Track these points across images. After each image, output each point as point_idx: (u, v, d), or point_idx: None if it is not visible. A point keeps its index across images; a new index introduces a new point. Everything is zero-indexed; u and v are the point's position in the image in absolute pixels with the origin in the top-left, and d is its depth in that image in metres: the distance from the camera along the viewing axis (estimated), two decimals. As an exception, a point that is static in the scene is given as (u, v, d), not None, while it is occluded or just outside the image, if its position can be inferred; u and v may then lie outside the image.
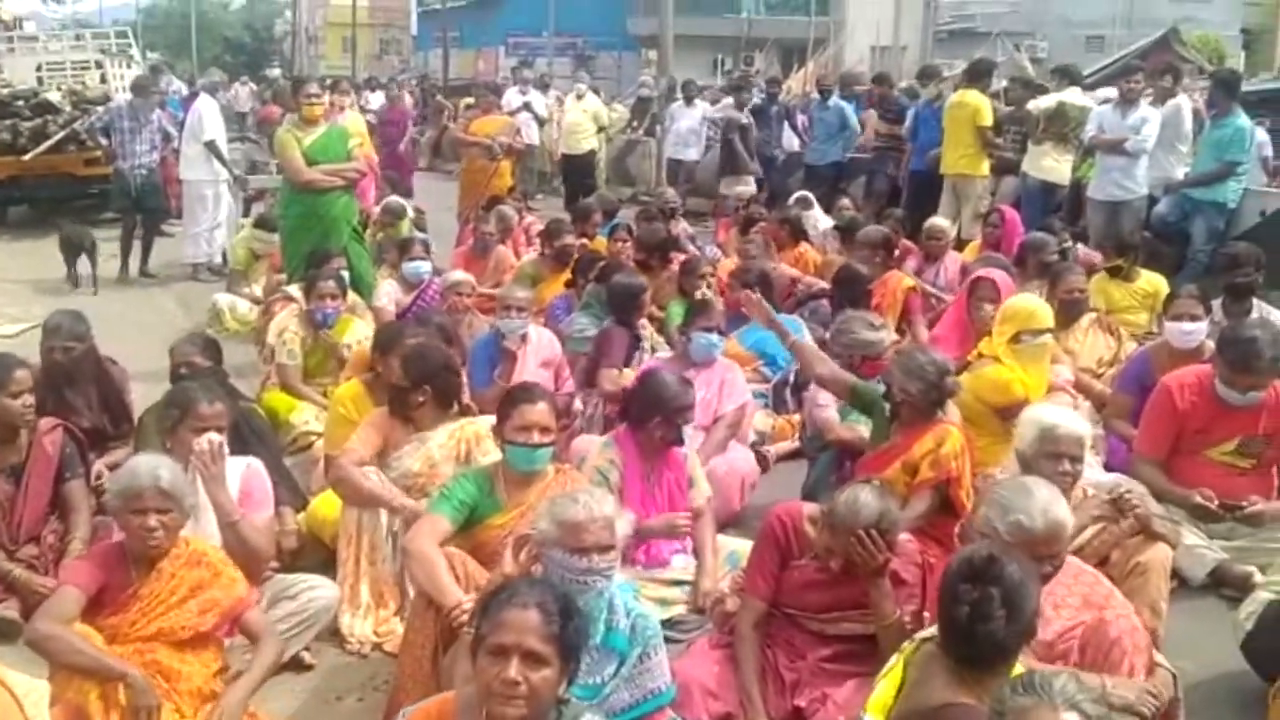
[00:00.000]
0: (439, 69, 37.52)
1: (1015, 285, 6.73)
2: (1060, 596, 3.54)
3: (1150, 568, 4.16)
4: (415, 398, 4.95)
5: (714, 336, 6.07)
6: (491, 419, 5.11)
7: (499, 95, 14.47)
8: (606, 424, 5.92)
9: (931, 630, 3.15)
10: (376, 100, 22.11)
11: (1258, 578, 4.65)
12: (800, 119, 14.97)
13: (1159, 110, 9.92)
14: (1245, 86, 11.93)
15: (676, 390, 4.91)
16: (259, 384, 7.33)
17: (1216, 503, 4.96)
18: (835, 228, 9.92)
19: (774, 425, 6.70)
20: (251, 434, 5.25)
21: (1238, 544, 5.03)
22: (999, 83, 13.27)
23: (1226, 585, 4.94)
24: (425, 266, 8.40)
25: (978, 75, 11.64)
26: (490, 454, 4.74)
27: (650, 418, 4.84)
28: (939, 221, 9.40)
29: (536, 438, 4.26)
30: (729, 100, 15.27)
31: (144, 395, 5.96)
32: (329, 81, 13.85)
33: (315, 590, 4.46)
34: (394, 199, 11.08)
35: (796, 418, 6.64)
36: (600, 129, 16.49)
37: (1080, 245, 9.10)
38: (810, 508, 4.07)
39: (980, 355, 5.70)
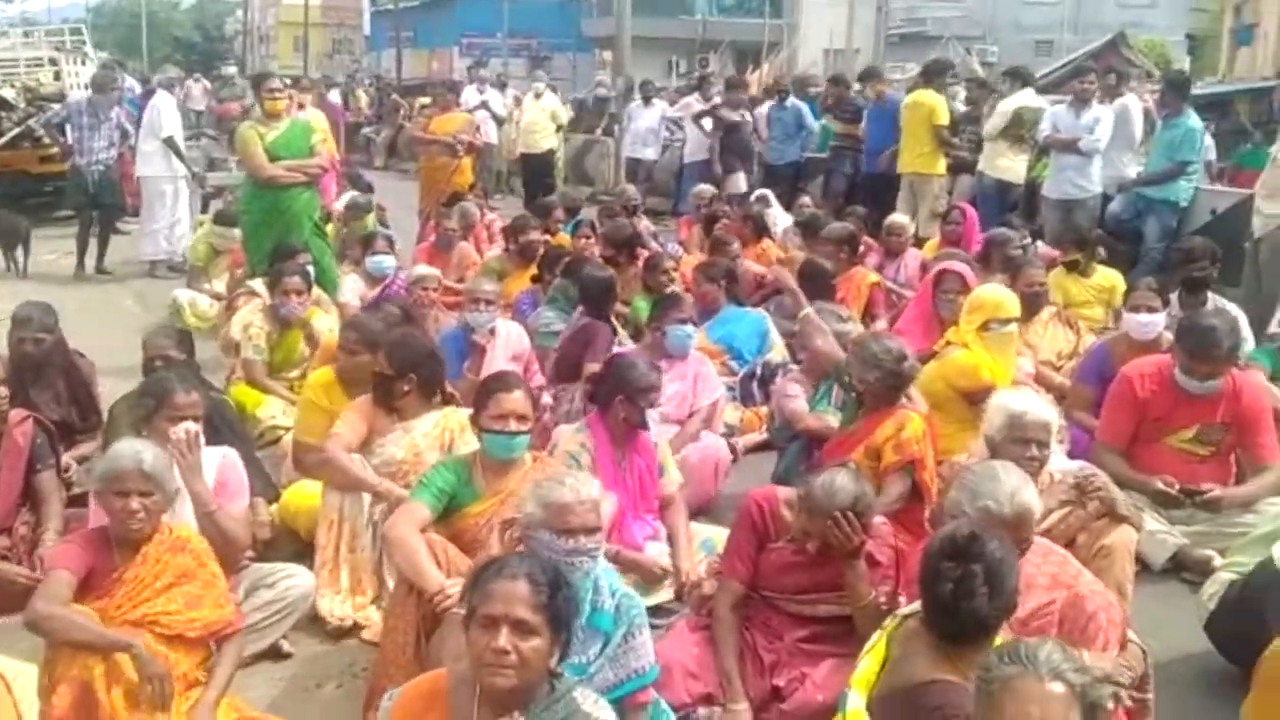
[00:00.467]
0: (392, 69, 37.35)
1: (977, 280, 6.86)
2: (1030, 575, 3.61)
3: (1115, 550, 4.26)
4: (400, 386, 4.96)
5: (689, 328, 6.14)
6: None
7: (457, 93, 14.43)
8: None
9: (914, 607, 3.22)
10: (333, 99, 21.94)
11: (1217, 561, 4.77)
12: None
13: (1111, 110, 10.11)
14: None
15: (641, 371, 4.96)
16: (223, 379, 7.29)
17: (1177, 488, 5.08)
18: (797, 224, 10.02)
19: (742, 417, 6.77)
20: (224, 425, 5.25)
21: (1197, 529, 5.16)
22: (957, 85, 13.45)
23: (1187, 569, 5.09)
24: (389, 261, 8.40)
25: (933, 75, 11.81)
26: (473, 443, 4.79)
27: (614, 399, 4.89)
28: (899, 219, 9.56)
29: (513, 425, 4.31)
30: (689, 100, 15.38)
31: (107, 391, 5.94)
32: (290, 80, 13.77)
33: (293, 579, 4.46)
34: (359, 194, 11.06)
35: (764, 410, 6.72)
36: (559, 128, 16.51)
37: (1039, 242, 9.25)
38: (786, 492, 4.14)
39: (948, 344, 5.82)
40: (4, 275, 11.45)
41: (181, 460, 4.25)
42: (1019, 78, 11.33)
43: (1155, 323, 6.12)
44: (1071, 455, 5.75)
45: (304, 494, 5.25)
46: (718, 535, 4.91)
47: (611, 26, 26.79)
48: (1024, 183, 10.85)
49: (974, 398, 5.55)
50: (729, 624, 3.97)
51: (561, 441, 5.00)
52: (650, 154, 15.95)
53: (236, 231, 9.77)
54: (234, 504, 4.47)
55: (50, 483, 4.97)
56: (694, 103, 15.13)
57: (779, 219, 10.84)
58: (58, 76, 17.44)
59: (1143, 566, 4.91)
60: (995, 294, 5.94)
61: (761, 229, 9.75)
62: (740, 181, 13.26)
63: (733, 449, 6.34)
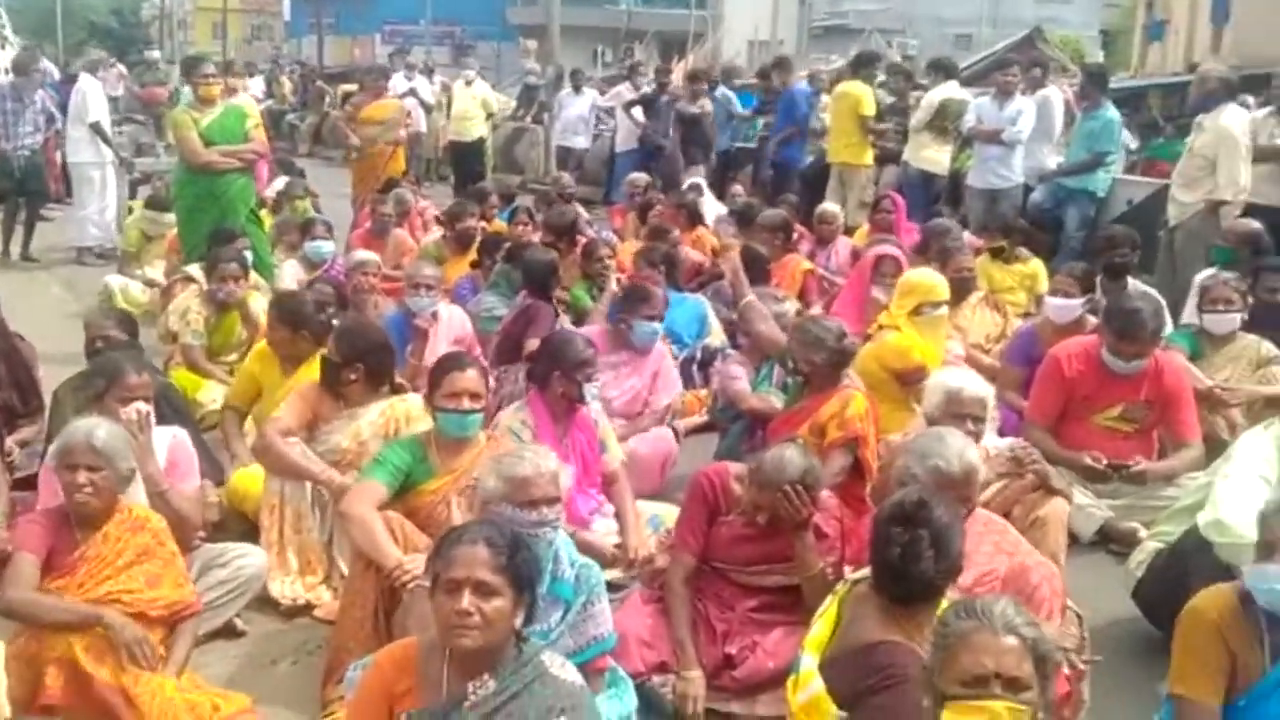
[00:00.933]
0: (313, 56, 36.89)
1: (908, 265, 7.05)
2: (973, 544, 3.77)
3: (1049, 521, 4.45)
4: (348, 375, 4.99)
5: (655, 325, 6.16)
6: (419, 399, 5.26)
7: (388, 79, 14.37)
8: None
9: (864, 572, 3.36)
10: (256, 86, 21.69)
11: (1142, 533, 4.98)
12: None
13: (1032, 102, 10.39)
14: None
15: (577, 347, 5.05)
16: (162, 365, 7.24)
17: (1105, 463, 5.29)
18: (732, 213, 10.16)
19: (683, 401, 6.87)
20: (169, 408, 5.23)
21: (1123, 503, 5.38)
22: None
23: (1114, 541, 5.32)
24: (328, 247, 8.41)
25: (861, 66, 12.04)
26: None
27: (551, 375, 4.99)
28: (830, 207, 9.75)
29: (466, 404, 4.39)
30: (620, 89, 15.45)
31: (41, 377, 5.90)
32: (222, 65, 13.63)
33: (245, 558, 4.50)
34: (297, 179, 11.00)
35: (704, 393, 6.86)
36: (489, 116, 16.49)
37: (965, 232, 9.48)
38: (737, 467, 4.27)
39: (880, 327, 5.99)
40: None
41: (133, 440, 4.27)
42: (942, 70, 11.59)
43: (1072, 307, 6.33)
44: (1002, 434, 5.94)
45: (251, 477, 5.28)
46: (666, 512, 5.03)
47: (536, 15, 26.78)
48: (948, 173, 11.10)
49: (906, 378, 5.76)
50: (682, 595, 4.09)
51: (503, 420, 5.06)
52: (581, 142, 16.02)
53: (169, 217, 9.70)
54: (185, 483, 4.52)
55: (-5, 465, 4.95)
56: (624, 92, 15.22)
57: (710, 208, 10.98)
58: (-24, 60, 17.02)
59: (1071, 539, 5.08)
60: (927, 278, 6.15)
61: (696, 217, 9.88)
62: (701, 174, 13.33)
63: (675, 431, 6.45)
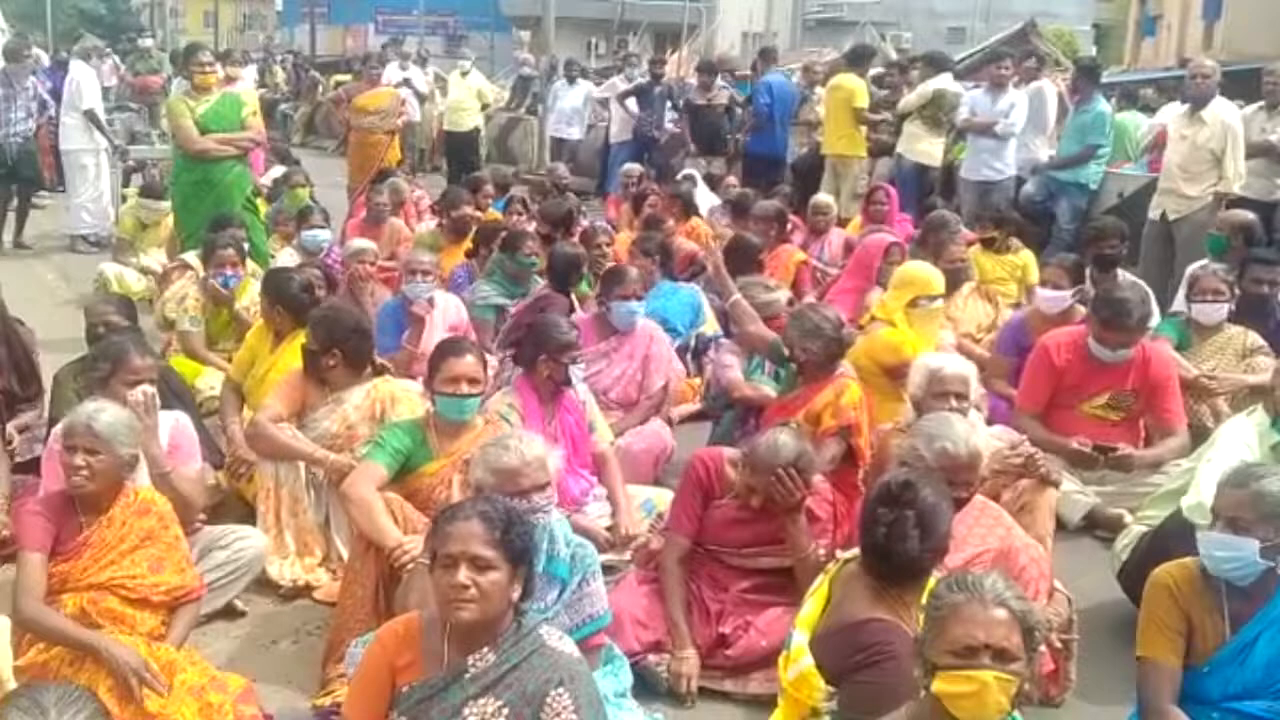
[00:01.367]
0: (305, 45, 36.83)
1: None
2: (968, 526, 3.86)
3: (1037, 507, 4.53)
4: (327, 361, 5.07)
5: (633, 304, 6.18)
6: (404, 382, 5.33)
7: (383, 67, 14.40)
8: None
9: (854, 551, 3.44)
10: (249, 75, 21.61)
11: (1128, 519, 5.06)
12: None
13: (1025, 94, 10.47)
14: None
15: (560, 330, 5.12)
16: (159, 352, 7.29)
17: (1090, 445, 5.36)
18: (726, 203, 10.22)
19: (676, 389, 6.94)
20: (170, 392, 5.28)
21: (1109, 489, 5.48)
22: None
23: (1100, 527, 5.41)
24: (324, 235, 8.45)
25: (856, 60, 12.11)
26: (403, 413, 4.92)
27: (536, 358, 5.06)
28: (824, 198, 9.82)
29: (464, 388, 4.46)
30: (614, 80, 15.50)
31: (39, 363, 5.94)
32: (221, 54, 13.62)
33: (245, 540, 4.56)
34: (295, 167, 11.04)
35: (697, 381, 6.93)
36: (484, 106, 16.52)
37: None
38: (730, 452, 4.35)
39: (873, 319, 6.06)
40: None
41: (138, 423, 4.32)
42: (935, 63, 11.65)
43: (1062, 298, 6.39)
44: (990, 422, 6.04)
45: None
46: (659, 496, 5.11)
47: (531, 6, 26.74)
48: (942, 165, 11.17)
49: (895, 372, 5.80)
50: (676, 576, 4.18)
51: (490, 405, 5.10)
52: (575, 133, 16.04)
53: (163, 204, 9.75)
54: (187, 466, 4.57)
55: (-4, 449, 5.00)
56: (618, 83, 15.25)
57: (704, 198, 11.04)
58: (-33, 48, 16.99)
59: (1058, 525, 5.17)
60: (924, 271, 6.22)
61: (690, 207, 9.93)
62: (703, 165, 13.31)
63: (668, 419, 6.52)
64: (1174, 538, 4.10)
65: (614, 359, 6.13)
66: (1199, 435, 5.42)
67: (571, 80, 16.30)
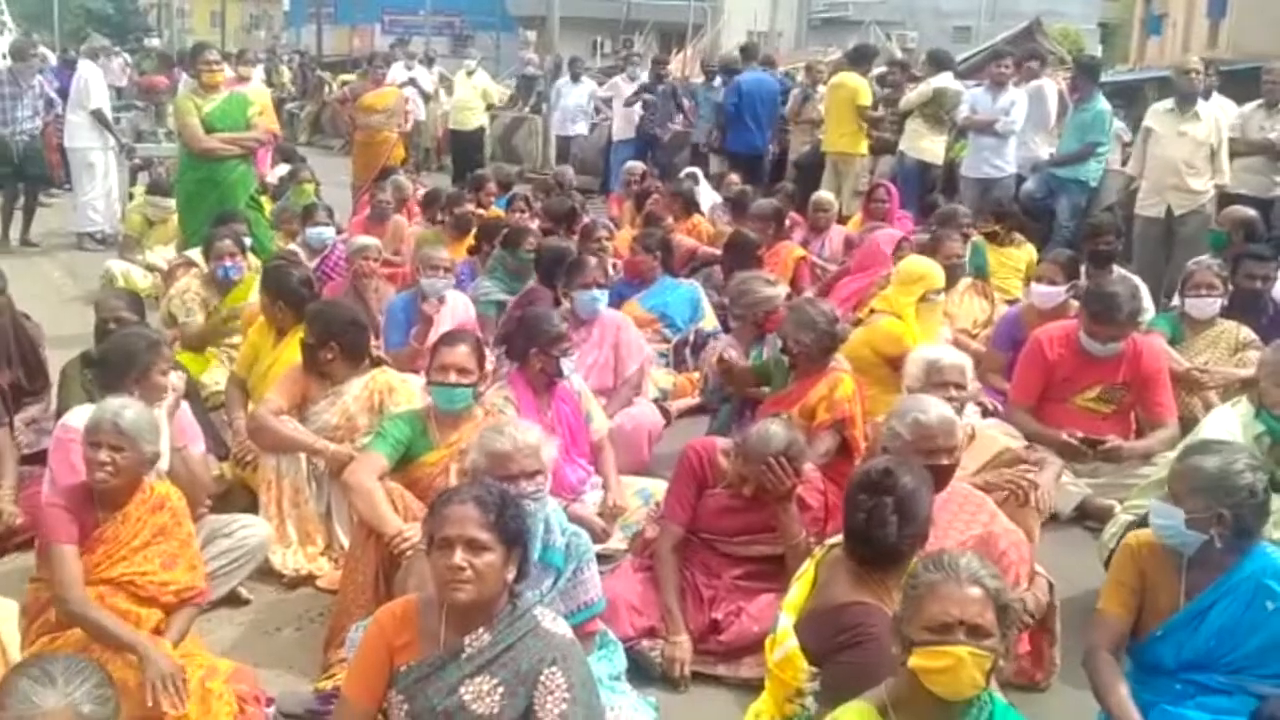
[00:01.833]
0: (312, 45, 36.96)
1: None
2: (951, 515, 3.93)
3: (1022, 518, 4.56)
4: (324, 355, 5.16)
5: (594, 291, 6.26)
6: (403, 376, 5.42)
7: (389, 66, 14.51)
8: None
9: (839, 537, 3.52)
10: (257, 75, 21.75)
11: (1118, 509, 5.13)
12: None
13: (1025, 93, 10.53)
14: (1102, 77, 12.67)
15: (549, 323, 5.21)
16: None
17: (1079, 437, 5.45)
18: (725, 200, 10.31)
19: (675, 382, 7.05)
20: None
21: (1101, 480, 5.55)
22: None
23: (1090, 517, 5.48)
24: (329, 232, 8.52)
25: (859, 59, 12.21)
26: (401, 403, 5.03)
27: (528, 351, 5.15)
28: (825, 195, 9.90)
29: (453, 378, 4.57)
30: (616, 80, 15.59)
31: (46, 359, 6.02)
32: (234, 54, 13.75)
33: (249, 528, 4.66)
34: (302, 164, 11.14)
35: (696, 375, 7.01)
36: (489, 106, 16.60)
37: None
38: (723, 442, 4.44)
39: (872, 311, 6.14)
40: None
41: (174, 406, 4.53)
42: (937, 63, 11.72)
43: (1056, 293, 6.44)
44: (985, 416, 6.13)
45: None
46: (654, 485, 5.20)
47: (536, 5, 26.82)
48: (943, 163, 11.25)
49: (897, 363, 5.88)
50: (670, 564, 4.26)
51: (487, 398, 5.17)
52: (580, 129, 16.13)
53: (169, 202, 9.84)
54: (194, 447, 4.71)
55: (4, 440, 5.10)
56: (620, 83, 15.35)
57: (706, 196, 11.12)
58: (-26, 46, 17.15)
59: (1050, 515, 5.25)
60: (930, 266, 6.30)
61: (692, 205, 10.02)
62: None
63: (666, 412, 6.59)
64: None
65: (585, 349, 6.15)
66: (1190, 428, 5.43)
67: (576, 78, 16.39)
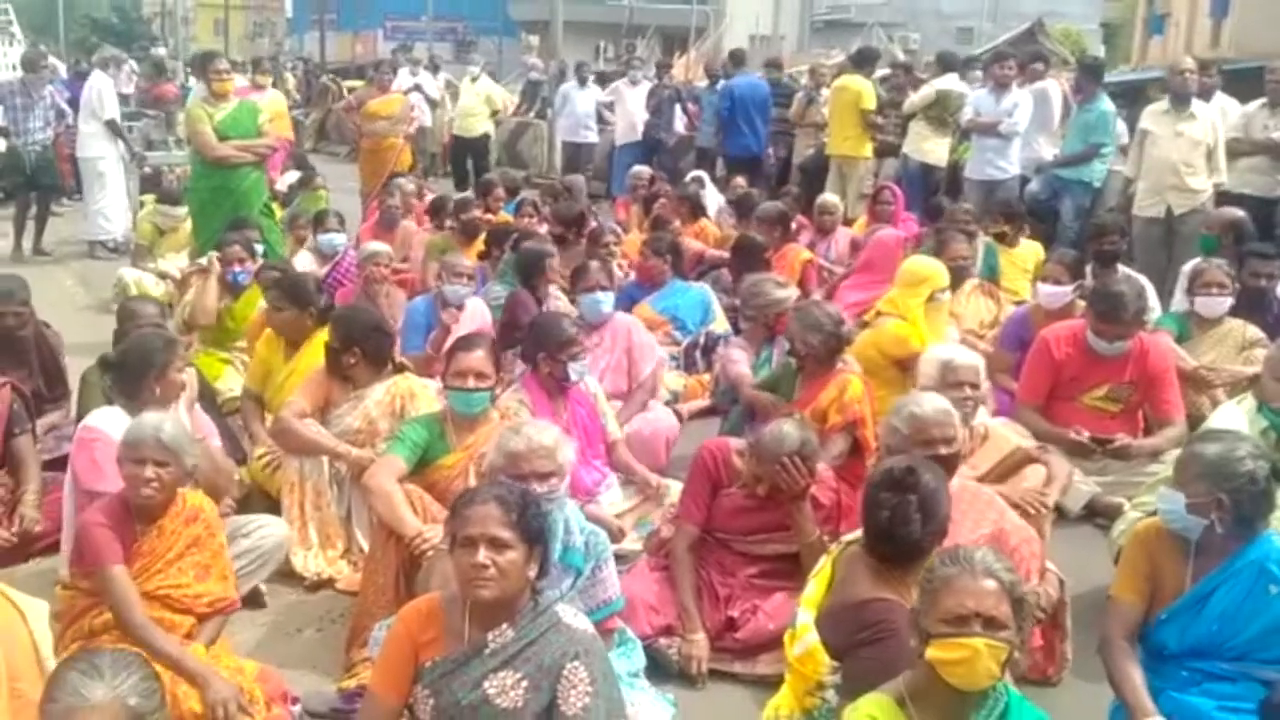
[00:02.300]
0: (315, 52, 37.10)
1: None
2: (962, 513, 3.99)
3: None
4: (347, 359, 5.23)
5: (598, 295, 6.34)
6: (424, 381, 5.49)
7: (394, 73, 14.56)
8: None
9: (855, 534, 3.58)
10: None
11: (1127, 506, 5.18)
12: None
13: (1029, 94, 10.59)
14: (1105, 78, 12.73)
15: (559, 328, 5.28)
16: (180, 353, 7.45)
17: (1087, 436, 5.51)
18: (730, 203, 10.38)
19: (685, 385, 7.12)
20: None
21: (1110, 478, 5.60)
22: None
23: (1099, 515, 5.53)
24: (340, 239, 8.60)
25: (863, 62, 12.28)
26: (422, 408, 5.08)
27: (537, 356, 5.22)
28: (831, 198, 9.97)
29: (471, 383, 4.63)
30: (618, 84, 15.65)
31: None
32: (251, 62, 13.84)
33: (268, 529, 4.71)
34: (313, 171, 11.23)
35: (707, 377, 7.08)
36: (494, 112, 16.66)
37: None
38: (737, 442, 4.51)
39: (879, 313, 6.20)
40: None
41: (190, 401, 4.64)
42: (943, 64, 11.79)
43: (1060, 294, 6.50)
44: (995, 415, 6.19)
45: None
46: (670, 486, 5.25)
47: (539, 10, 26.91)
48: (947, 165, 11.31)
49: (904, 365, 5.96)
50: (686, 563, 4.33)
51: (502, 402, 5.23)
52: (591, 137, 16.11)
53: (180, 210, 9.91)
54: (212, 440, 4.82)
55: (28, 446, 5.11)
56: (622, 87, 15.40)
57: (712, 199, 11.19)
58: (-14, 57, 17.25)
59: (1059, 513, 5.32)
60: (935, 266, 6.38)
61: (698, 208, 10.09)
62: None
63: (677, 414, 6.65)
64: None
65: (597, 353, 6.19)
66: (1198, 426, 5.51)
67: (583, 82, 16.38)
